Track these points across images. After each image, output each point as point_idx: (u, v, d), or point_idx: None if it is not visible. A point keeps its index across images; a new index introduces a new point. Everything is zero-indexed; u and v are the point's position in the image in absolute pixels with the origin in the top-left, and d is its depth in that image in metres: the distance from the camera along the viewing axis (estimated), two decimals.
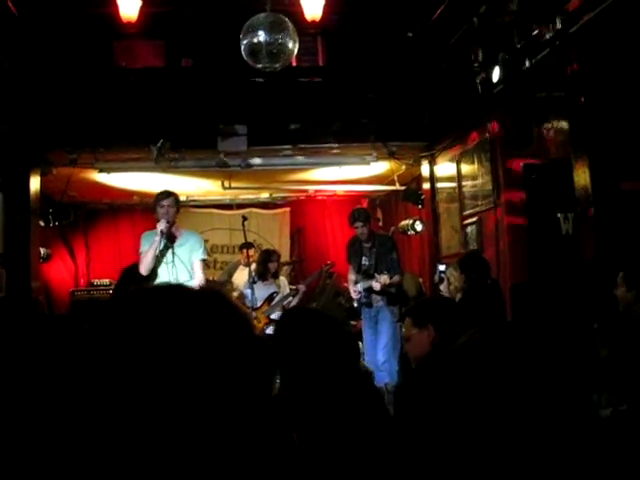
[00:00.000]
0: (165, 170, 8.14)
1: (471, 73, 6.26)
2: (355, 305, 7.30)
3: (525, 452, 0.88)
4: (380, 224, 11.13)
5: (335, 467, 2.11)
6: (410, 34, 6.76)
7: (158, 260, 5.76)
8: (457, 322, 3.20)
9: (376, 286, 6.74)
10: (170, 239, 5.81)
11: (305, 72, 6.92)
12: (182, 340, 0.82)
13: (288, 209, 11.63)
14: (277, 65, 5.18)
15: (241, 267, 8.51)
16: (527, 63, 5.40)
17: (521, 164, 6.26)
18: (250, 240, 8.05)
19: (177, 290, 0.91)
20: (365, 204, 11.07)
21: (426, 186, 8.37)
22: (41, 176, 7.39)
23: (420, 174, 8.59)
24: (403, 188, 9.05)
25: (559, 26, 4.88)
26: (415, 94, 7.12)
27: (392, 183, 8.91)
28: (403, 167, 8.47)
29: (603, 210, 5.12)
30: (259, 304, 7.34)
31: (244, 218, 7.44)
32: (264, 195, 10.94)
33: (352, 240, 7.43)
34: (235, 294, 7.74)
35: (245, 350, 0.86)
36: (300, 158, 8.12)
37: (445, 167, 7.86)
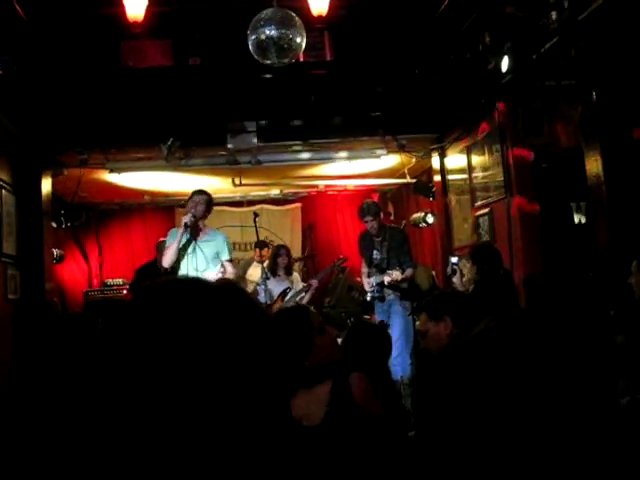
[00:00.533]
0: (175, 169, 8.16)
1: (479, 63, 6.23)
2: (368, 299, 7.30)
3: (547, 436, 0.87)
4: (392, 218, 11.12)
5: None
6: (417, 26, 6.73)
7: (181, 254, 5.98)
8: (473, 313, 3.21)
9: (387, 280, 6.73)
10: (194, 234, 6.00)
11: (313, 67, 6.90)
12: (199, 330, 0.82)
13: (299, 205, 11.62)
14: (285, 60, 5.16)
15: (255, 264, 8.53)
16: (536, 52, 5.38)
17: (532, 154, 6.23)
18: (262, 237, 8.05)
19: (193, 282, 0.91)
20: (376, 198, 11.04)
21: (437, 178, 8.35)
22: (52, 178, 7.42)
23: (431, 166, 8.57)
24: (414, 181, 9.02)
25: (567, 13, 4.85)
26: (424, 86, 7.09)
27: (403, 176, 8.88)
28: (413, 160, 8.45)
29: (616, 198, 5.09)
30: (273, 300, 7.35)
31: (255, 215, 7.42)
32: (275, 191, 10.94)
33: (363, 234, 7.44)
34: (249, 290, 7.75)
35: (264, 340, 0.86)
36: (310, 153, 8.11)
37: (455, 159, 7.84)
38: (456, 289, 5.89)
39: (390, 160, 8.51)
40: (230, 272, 6.24)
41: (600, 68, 5.04)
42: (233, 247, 11.23)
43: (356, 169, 8.94)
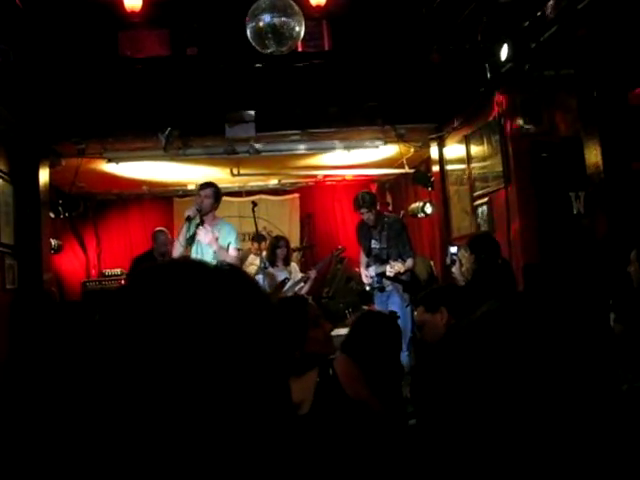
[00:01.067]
0: (173, 158, 8.15)
1: (478, 53, 6.22)
2: (367, 289, 7.30)
3: (550, 422, 0.87)
4: (390, 208, 11.11)
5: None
6: (416, 16, 6.71)
7: (189, 246, 6.17)
8: (469, 302, 3.25)
9: (390, 272, 6.71)
10: (199, 224, 6.27)
11: (311, 56, 6.88)
12: (198, 312, 0.80)
13: (297, 195, 11.61)
14: (284, 49, 5.15)
15: (252, 256, 8.54)
16: (535, 41, 5.36)
17: (531, 143, 6.22)
18: (260, 227, 8.03)
19: (191, 264, 0.90)
20: (374, 188, 11.04)
21: (435, 168, 8.33)
22: (50, 167, 7.39)
23: (429, 156, 8.55)
24: (412, 171, 9.01)
25: (566, 2, 4.84)
26: (422, 76, 7.08)
27: (401, 166, 8.87)
28: (412, 150, 8.44)
29: (615, 188, 5.09)
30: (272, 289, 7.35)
31: (254, 204, 7.40)
32: (273, 181, 10.94)
33: (360, 223, 7.44)
34: None
35: (267, 324, 0.85)
36: (308, 143, 8.10)
37: (454, 149, 7.82)
38: (456, 279, 5.89)
39: (388, 150, 8.50)
40: (232, 257, 6.32)
41: (599, 57, 5.03)
42: None
43: (354, 159, 8.93)
